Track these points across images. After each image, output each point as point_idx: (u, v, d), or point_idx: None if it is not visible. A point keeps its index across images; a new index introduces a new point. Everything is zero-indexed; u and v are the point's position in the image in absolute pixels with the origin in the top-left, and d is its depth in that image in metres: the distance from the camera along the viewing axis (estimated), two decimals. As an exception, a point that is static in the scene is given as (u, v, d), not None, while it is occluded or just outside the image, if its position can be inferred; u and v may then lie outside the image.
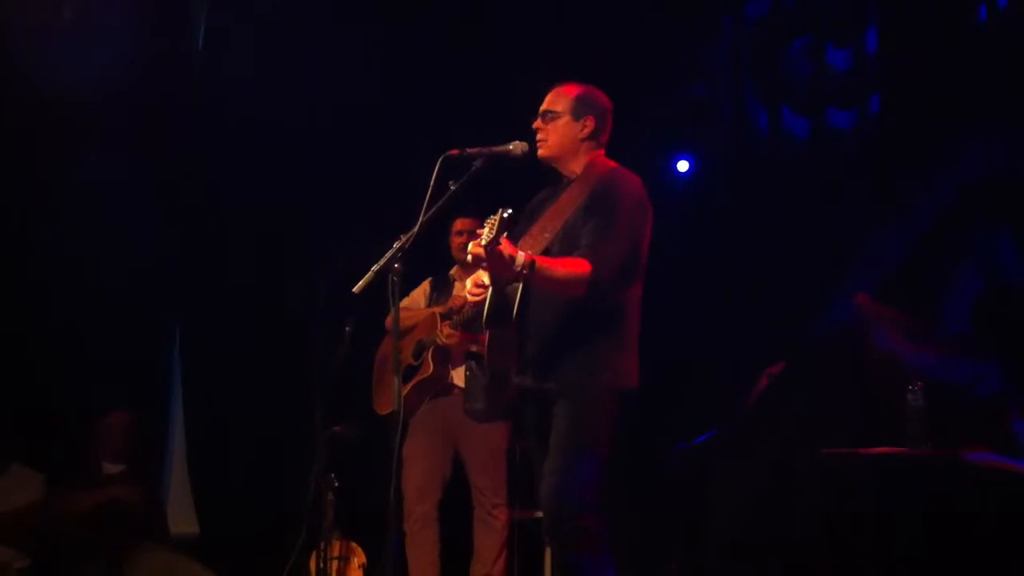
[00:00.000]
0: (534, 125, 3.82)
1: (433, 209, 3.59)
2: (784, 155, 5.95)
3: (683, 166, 6.31)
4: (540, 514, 5.37)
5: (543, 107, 3.83)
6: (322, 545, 4.91)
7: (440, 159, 3.59)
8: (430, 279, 5.41)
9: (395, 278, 3.53)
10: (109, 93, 5.86)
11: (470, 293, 3.71)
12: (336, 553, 5.15)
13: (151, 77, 6.00)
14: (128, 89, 5.92)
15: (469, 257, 3.44)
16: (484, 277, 3.64)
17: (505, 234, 3.35)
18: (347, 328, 4.94)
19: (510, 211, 3.36)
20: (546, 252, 3.63)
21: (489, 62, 6.17)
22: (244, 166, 6.17)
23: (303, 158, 6.13)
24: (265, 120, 5.98)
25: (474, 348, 5.03)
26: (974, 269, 5.06)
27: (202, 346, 6.25)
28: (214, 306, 6.21)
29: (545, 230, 3.71)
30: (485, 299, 3.67)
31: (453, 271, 5.37)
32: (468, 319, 5.02)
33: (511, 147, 3.72)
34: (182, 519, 6.03)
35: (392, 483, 3.55)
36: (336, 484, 5.06)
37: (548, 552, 5.34)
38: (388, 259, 3.54)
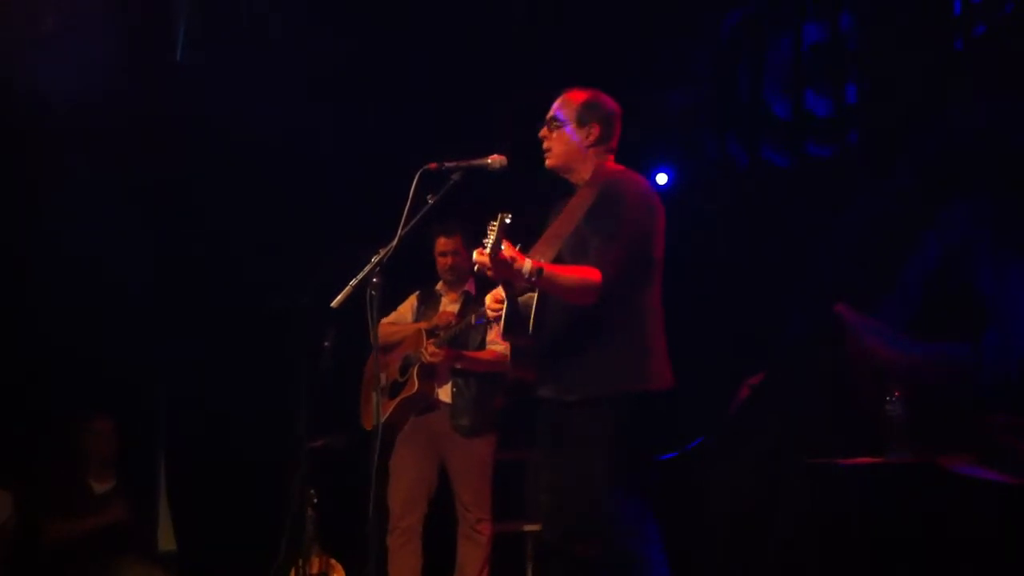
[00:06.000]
0: (540, 133, 3.80)
1: (411, 223, 3.58)
2: (763, 178, 6.00)
3: (662, 179, 6.33)
4: (528, 527, 5.41)
5: (550, 113, 3.81)
6: (301, 561, 4.88)
7: (418, 173, 3.59)
8: (417, 293, 5.42)
9: (374, 292, 3.52)
10: (94, 101, 5.82)
11: (489, 308, 3.69)
12: (316, 569, 5.12)
13: (136, 85, 5.97)
14: (113, 97, 5.89)
15: (475, 266, 3.44)
16: (502, 292, 3.62)
17: (510, 240, 3.35)
18: (326, 342, 4.92)
19: (510, 216, 3.35)
20: (558, 258, 3.61)
21: (471, 73, 6.18)
22: (230, 174, 6.15)
23: (288, 167, 6.12)
24: (248, 131, 5.96)
25: (459, 365, 5.06)
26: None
27: (181, 359, 6.21)
28: (194, 318, 6.17)
29: (555, 236, 3.70)
30: (500, 314, 3.63)
31: (439, 286, 5.37)
32: (453, 336, 5.02)
33: (489, 161, 3.71)
34: (160, 536, 5.99)
35: (372, 498, 3.53)
36: (315, 499, 5.03)
37: (530, 567, 5.34)
38: (367, 273, 3.54)
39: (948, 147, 5.13)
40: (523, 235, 3.69)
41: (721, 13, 6.23)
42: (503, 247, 3.34)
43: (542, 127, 3.81)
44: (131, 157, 5.97)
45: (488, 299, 3.70)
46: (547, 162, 3.81)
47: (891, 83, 5.48)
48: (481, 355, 5.13)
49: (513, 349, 3.73)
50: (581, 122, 3.78)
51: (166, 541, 5.99)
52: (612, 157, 3.84)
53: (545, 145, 3.80)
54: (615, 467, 3.58)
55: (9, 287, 5.83)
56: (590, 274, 3.53)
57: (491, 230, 3.34)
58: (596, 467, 3.57)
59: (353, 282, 3.54)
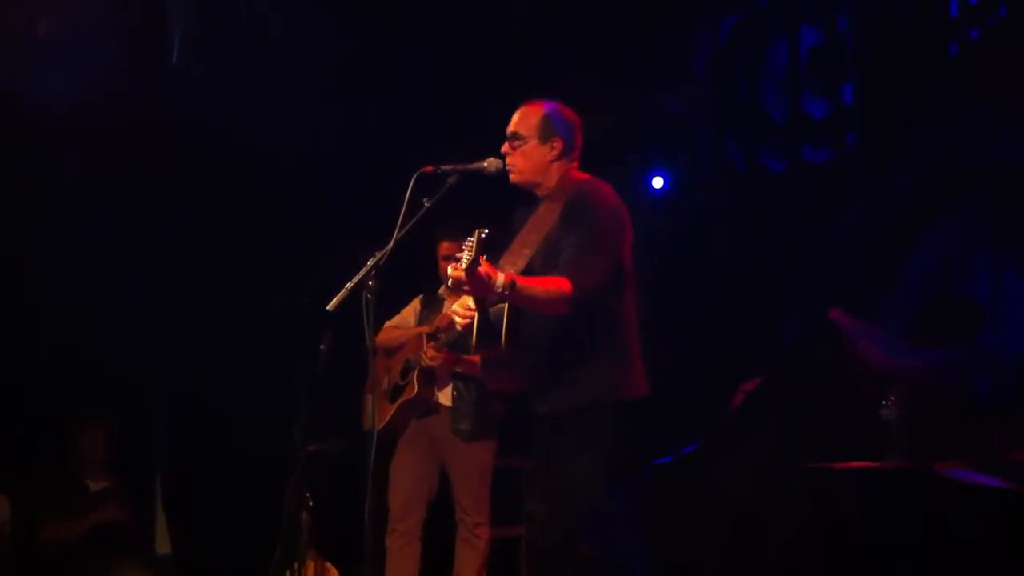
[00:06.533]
0: (503, 149, 3.77)
1: (407, 226, 3.57)
2: (762, 179, 6.00)
3: (658, 182, 6.32)
4: (525, 532, 5.41)
5: (510, 128, 3.79)
6: (296, 565, 4.88)
7: (414, 176, 3.58)
8: (421, 297, 5.40)
9: (369, 295, 3.51)
10: (94, 101, 5.82)
11: (459, 316, 3.67)
12: (310, 573, 5.12)
13: (136, 85, 5.97)
14: (113, 97, 5.89)
15: (450, 281, 3.43)
16: (470, 300, 3.60)
17: (484, 255, 3.32)
18: (322, 346, 4.91)
19: (486, 231, 3.33)
20: (527, 268, 3.60)
21: (468, 78, 6.17)
22: (230, 174, 6.14)
23: (287, 168, 6.12)
24: (248, 131, 5.95)
25: (459, 369, 5.05)
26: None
27: (181, 359, 6.20)
28: (194, 318, 6.17)
29: (525, 246, 3.68)
30: (473, 322, 3.63)
31: (442, 290, 5.36)
32: (453, 340, 5.01)
33: (485, 164, 3.69)
34: (156, 538, 5.99)
35: (367, 502, 3.53)
36: (311, 503, 5.03)
37: (526, 572, 5.33)
38: (362, 276, 3.53)
39: (947, 148, 5.13)
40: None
41: (721, 14, 6.22)
42: (480, 263, 3.32)
43: (504, 143, 3.78)
44: (131, 157, 5.96)
45: (457, 307, 3.67)
46: (512, 178, 3.78)
47: (889, 83, 5.47)
48: (481, 359, 5.12)
49: (483, 361, 3.71)
50: (543, 138, 3.75)
51: (162, 544, 5.99)
52: (576, 164, 3.83)
53: (508, 161, 3.75)
54: (614, 468, 3.59)
55: (9, 287, 5.83)
56: (561, 284, 3.52)
57: (467, 247, 3.31)
58: (595, 468, 3.58)
59: (349, 285, 3.53)
